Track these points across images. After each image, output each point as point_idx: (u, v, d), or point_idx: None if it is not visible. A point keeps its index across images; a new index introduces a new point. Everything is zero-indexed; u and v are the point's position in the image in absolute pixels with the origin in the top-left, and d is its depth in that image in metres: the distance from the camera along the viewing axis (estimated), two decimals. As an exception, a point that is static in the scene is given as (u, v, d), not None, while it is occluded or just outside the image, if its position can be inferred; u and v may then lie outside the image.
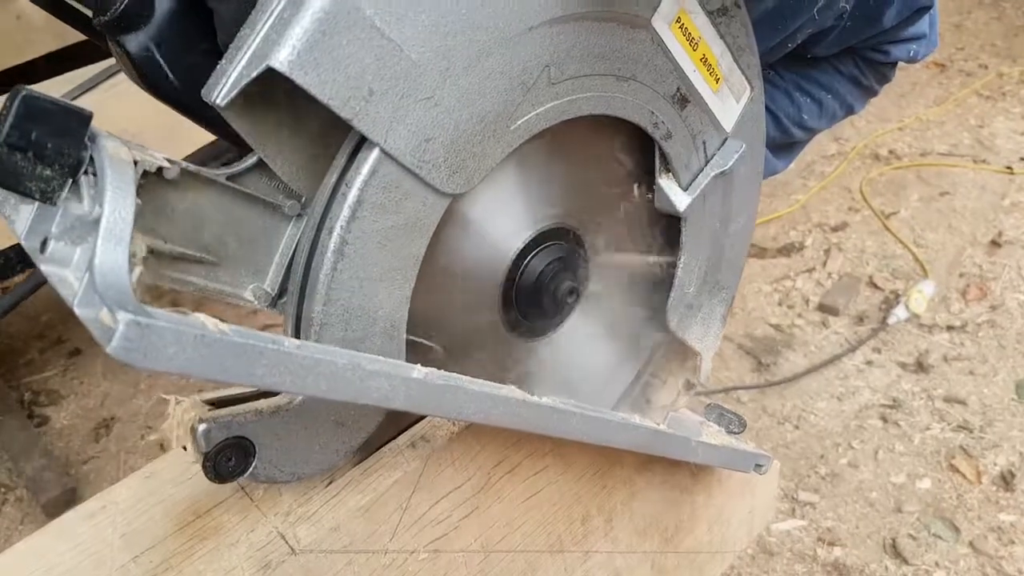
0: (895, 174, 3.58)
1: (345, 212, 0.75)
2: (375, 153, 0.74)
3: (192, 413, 0.75)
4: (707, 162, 1.05)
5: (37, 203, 0.65)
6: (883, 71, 1.65)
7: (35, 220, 0.65)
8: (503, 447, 1.03)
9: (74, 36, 2.91)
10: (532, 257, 0.98)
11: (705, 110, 0.99)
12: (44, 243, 0.62)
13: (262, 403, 0.78)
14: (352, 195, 0.75)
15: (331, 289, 0.76)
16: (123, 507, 0.91)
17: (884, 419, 2.54)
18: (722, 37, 0.96)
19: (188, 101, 0.80)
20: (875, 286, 3.02)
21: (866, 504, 2.30)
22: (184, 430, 0.75)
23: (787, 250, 3.21)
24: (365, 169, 0.74)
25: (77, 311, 0.55)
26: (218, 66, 0.68)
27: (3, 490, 2.47)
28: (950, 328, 2.81)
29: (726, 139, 1.07)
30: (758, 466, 1.18)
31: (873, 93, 1.68)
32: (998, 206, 3.32)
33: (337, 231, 0.75)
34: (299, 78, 0.66)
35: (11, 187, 0.59)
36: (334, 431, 0.86)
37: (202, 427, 0.73)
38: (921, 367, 2.69)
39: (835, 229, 3.30)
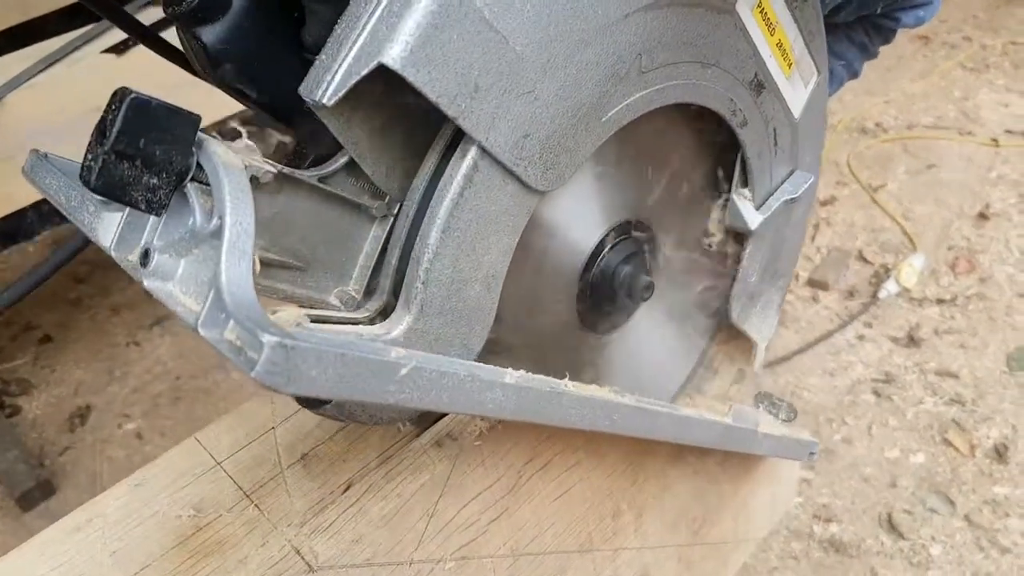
0: (882, 147, 3.57)
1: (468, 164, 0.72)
2: (473, 151, 0.70)
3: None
4: (777, 158, 1.04)
5: (127, 211, 0.61)
6: (888, 36, 1.65)
7: (125, 229, 0.61)
8: (534, 443, 0.98)
9: (37, 10, 2.80)
10: (608, 252, 0.95)
11: (778, 96, 0.97)
12: (146, 256, 0.57)
13: (363, 329, 0.72)
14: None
15: (452, 216, 0.72)
16: (112, 520, 0.82)
17: (877, 394, 2.55)
18: (796, 22, 0.95)
19: (262, 96, 0.75)
20: (865, 260, 3.02)
21: (861, 480, 2.31)
22: None
23: (776, 225, 3.21)
24: (462, 169, 0.71)
25: (202, 332, 0.51)
26: (316, 64, 0.63)
27: (-26, 484, 2.37)
28: (940, 301, 2.82)
29: (794, 169, 1.07)
30: (811, 454, 1.17)
31: (874, 56, 1.69)
32: (984, 178, 3.33)
33: (470, 156, 0.71)
34: (411, 75, 0.62)
35: (116, 197, 0.54)
36: None
37: None
38: (912, 341, 2.69)
39: (823, 203, 3.29)
